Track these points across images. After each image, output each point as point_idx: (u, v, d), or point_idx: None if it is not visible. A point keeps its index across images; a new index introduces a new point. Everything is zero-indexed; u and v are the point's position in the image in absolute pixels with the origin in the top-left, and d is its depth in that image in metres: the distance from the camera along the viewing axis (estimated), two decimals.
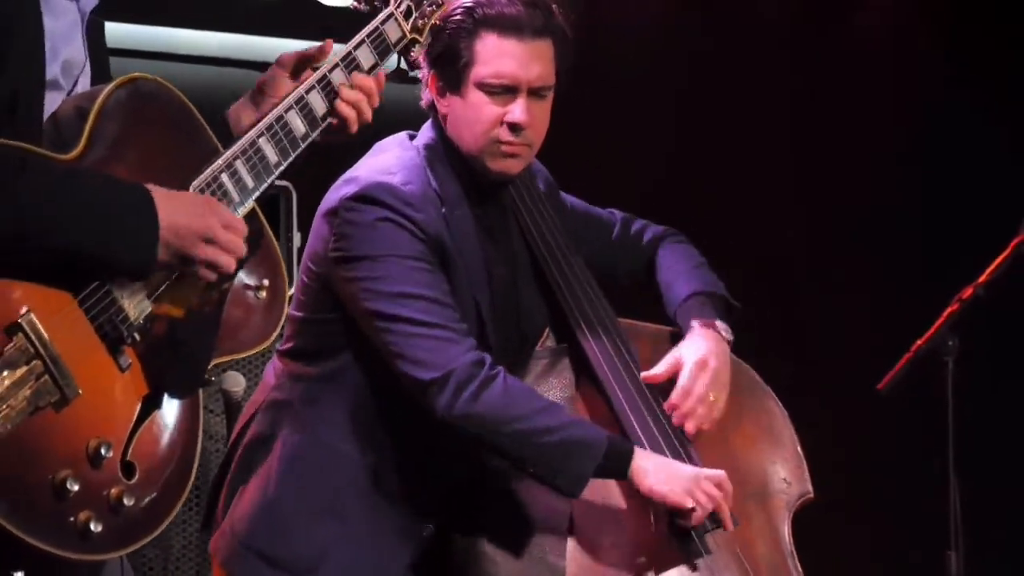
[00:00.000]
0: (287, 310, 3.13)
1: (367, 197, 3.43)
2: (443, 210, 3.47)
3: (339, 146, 3.12)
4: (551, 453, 3.36)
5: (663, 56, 6.05)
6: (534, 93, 3.48)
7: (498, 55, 3.46)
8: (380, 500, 3.48)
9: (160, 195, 2.74)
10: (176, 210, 2.75)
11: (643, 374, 3.56)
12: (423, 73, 3.54)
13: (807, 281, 6.16)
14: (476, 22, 3.46)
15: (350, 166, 3.53)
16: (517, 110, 3.46)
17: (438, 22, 3.30)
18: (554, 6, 3.50)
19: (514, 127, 3.46)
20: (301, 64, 3.09)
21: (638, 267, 3.82)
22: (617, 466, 3.38)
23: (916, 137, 6.28)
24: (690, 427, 3.52)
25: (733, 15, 6.16)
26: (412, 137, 3.59)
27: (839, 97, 6.25)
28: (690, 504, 3.36)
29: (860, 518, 5.80)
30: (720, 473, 3.43)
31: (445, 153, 3.53)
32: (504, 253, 3.60)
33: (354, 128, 3.10)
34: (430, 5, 3.26)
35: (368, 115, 3.10)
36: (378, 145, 3.60)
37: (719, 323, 3.65)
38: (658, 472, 3.39)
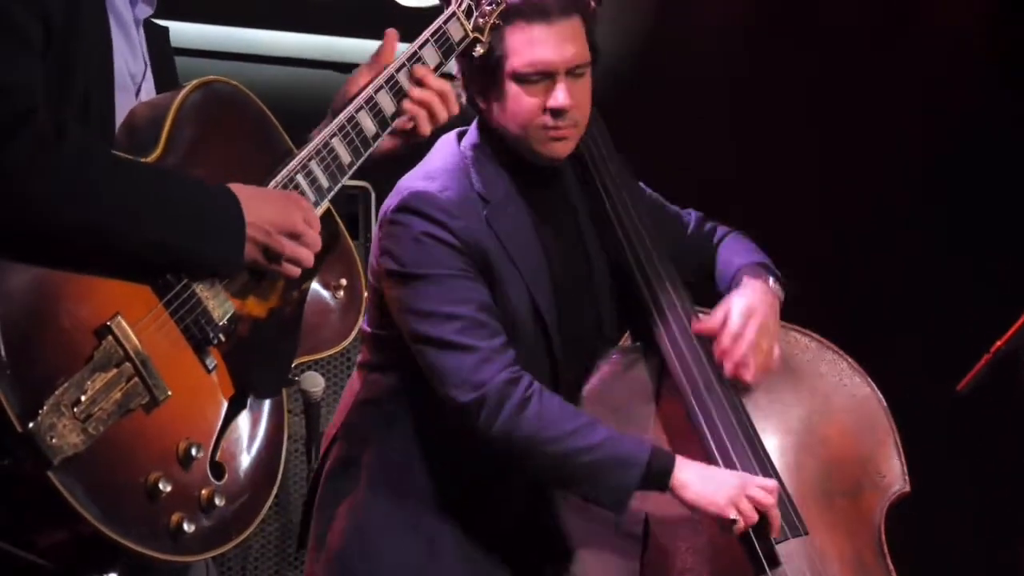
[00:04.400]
0: (363, 310, 3.12)
1: (407, 208, 3.43)
2: (484, 213, 3.45)
3: (418, 146, 3.12)
4: (590, 472, 3.34)
5: (731, 58, 6.04)
6: (571, 73, 3.44)
7: (529, 44, 3.42)
8: (464, 516, 3.46)
9: (244, 193, 2.75)
10: (262, 207, 2.76)
11: (694, 324, 3.52)
12: (458, 71, 3.51)
13: (888, 281, 6.11)
14: (504, 16, 3.37)
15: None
16: (559, 95, 3.42)
17: (499, 21, 3.30)
18: None
19: (557, 112, 3.43)
20: (375, 66, 3.09)
21: (706, 263, 3.80)
22: (658, 480, 3.33)
23: (993, 135, 6.21)
24: (747, 376, 3.47)
25: (798, 19, 6.13)
26: (462, 135, 3.57)
27: (915, 96, 6.19)
28: (732, 515, 3.31)
29: (940, 517, 5.74)
30: (771, 482, 3.37)
31: (492, 151, 3.51)
32: (568, 240, 3.57)
33: (425, 129, 3.10)
34: (489, 4, 3.26)
35: (442, 115, 3.10)
36: (435, 146, 3.58)
37: (770, 280, 3.61)
38: (700, 483, 3.33)
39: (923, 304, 6.10)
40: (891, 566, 3.51)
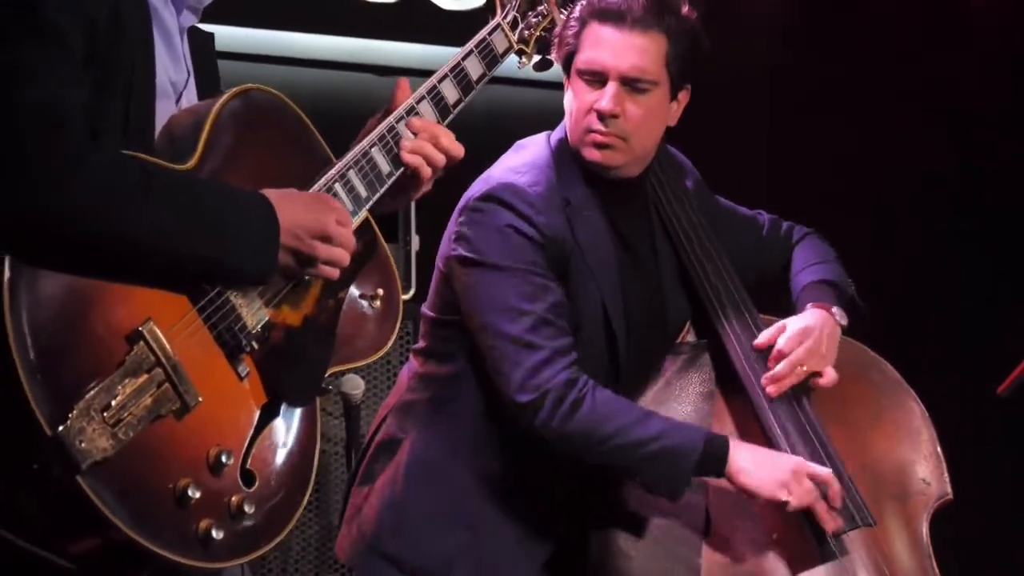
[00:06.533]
0: (400, 319, 3.13)
1: (493, 197, 3.45)
2: (566, 212, 3.46)
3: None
4: (648, 463, 3.37)
5: (770, 51, 6.04)
6: (628, 84, 3.45)
7: (594, 43, 3.45)
8: (507, 504, 3.49)
9: (276, 198, 2.74)
10: (294, 211, 2.75)
11: (756, 341, 3.54)
12: None
13: (927, 282, 6.09)
14: (588, 13, 3.45)
15: (470, 171, 3.51)
16: (603, 99, 3.43)
17: (543, 33, 3.30)
18: (675, 4, 3.47)
19: (600, 115, 3.44)
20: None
21: (783, 266, 3.83)
22: (714, 467, 3.37)
23: (995, 136, 6.19)
24: (772, 390, 3.49)
25: (842, 10, 6.13)
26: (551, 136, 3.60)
27: (960, 92, 6.16)
28: (784, 496, 3.33)
29: (987, 521, 5.72)
30: (827, 471, 3.39)
31: (571, 151, 3.53)
32: (643, 254, 3.59)
33: (424, 177, 3.02)
34: (535, 16, 3.26)
35: (438, 161, 3.00)
36: (520, 142, 3.63)
37: (835, 308, 3.62)
38: (754, 467, 3.36)
39: (964, 304, 6.08)
40: (936, 570, 3.54)
